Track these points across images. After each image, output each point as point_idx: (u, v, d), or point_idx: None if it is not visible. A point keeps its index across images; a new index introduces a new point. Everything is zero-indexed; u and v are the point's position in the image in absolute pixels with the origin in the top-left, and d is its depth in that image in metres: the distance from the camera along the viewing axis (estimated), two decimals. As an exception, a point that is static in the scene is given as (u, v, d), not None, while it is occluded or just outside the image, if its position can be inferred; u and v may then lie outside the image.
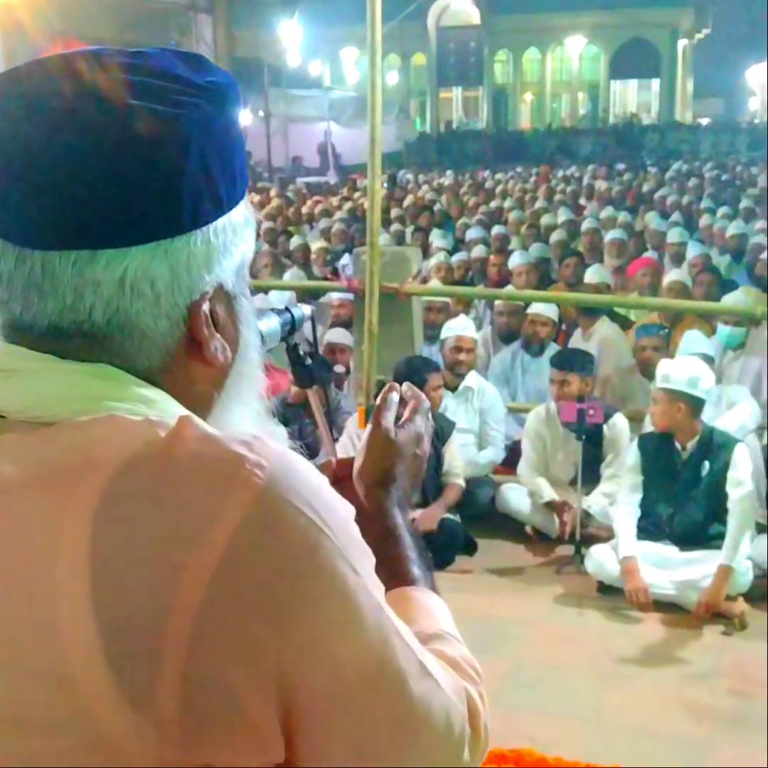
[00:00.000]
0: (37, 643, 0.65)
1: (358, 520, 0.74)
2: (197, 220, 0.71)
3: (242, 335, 0.80)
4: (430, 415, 1.08)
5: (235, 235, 0.75)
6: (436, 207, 12.10)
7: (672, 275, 6.43)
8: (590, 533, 4.49)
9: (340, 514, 0.71)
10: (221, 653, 0.64)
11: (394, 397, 1.06)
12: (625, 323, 6.21)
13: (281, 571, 0.66)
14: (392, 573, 0.90)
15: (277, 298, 6.35)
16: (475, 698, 0.82)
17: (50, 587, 0.64)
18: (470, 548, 4.56)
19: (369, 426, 1.04)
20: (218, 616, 0.64)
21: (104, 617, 0.63)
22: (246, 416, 0.83)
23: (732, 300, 5.52)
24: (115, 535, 0.65)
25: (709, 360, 4.62)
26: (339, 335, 5.71)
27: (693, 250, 7.66)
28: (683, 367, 4.12)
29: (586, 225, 9.19)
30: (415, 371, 4.59)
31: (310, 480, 0.70)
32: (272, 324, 1.45)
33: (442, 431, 4.68)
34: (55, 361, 0.71)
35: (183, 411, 0.74)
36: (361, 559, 0.72)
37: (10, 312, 0.72)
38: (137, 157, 0.68)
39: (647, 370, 5.16)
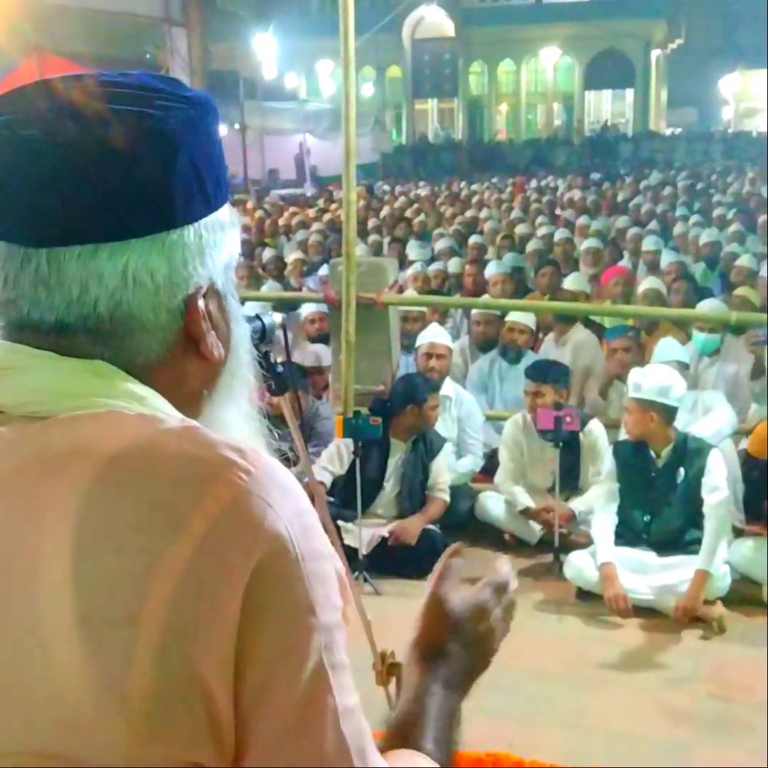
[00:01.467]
0: (18, 622, 0.66)
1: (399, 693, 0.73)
2: (189, 215, 0.76)
3: (234, 334, 0.84)
4: (510, 596, 0.97)
5: (223, 232, 0.80)
6: (418, 219, 12.11)
7: (646, 283, 6.48)
8: (570, 540, 4.51)
9: (314, 546, 0.71)
10: (192, 644, 0.65)
11: (457, 563, 0.99)
12: (600, 331, 6.25)
13: (248, 572, 0.67)
14: (405, 735, 0.87)
15: (253, 309, 6.33)
16: None
17: (34, 565, 0.66)
18: None
19: (426, 593, 0.96)
20: (191, 607, 0.65)
21: (82, 600, 0.65)
22: (236, 416, 0.85)
23: (707, 307, 5.56)
24: (99, 521, 0.67)
25: (683, 367, 4.65)
26: (312, 357, 5.72)
27: (668, 258, 7.73)
28: (654, 376, 4.13)
29: (558, 235, 9.27)
30: (415, 389, 4.62)
31: (295, 499, 0.71)
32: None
33: (432, 445, 4.70)
34: (54, 359, 0.74)
35: (173, 410, 0.77)
36: (324, 602, 0.70)
37: (18, 311, 0.75)
38: (132, 155, 0.72)
39: (622, 374, 5.21)
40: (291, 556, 0.69)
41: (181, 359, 0.79)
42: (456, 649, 0.93)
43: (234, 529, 0.67)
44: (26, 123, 0.73)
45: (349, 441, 4.44)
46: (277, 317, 1.55)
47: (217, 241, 0.79)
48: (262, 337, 1.48)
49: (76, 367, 0.74)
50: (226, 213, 0.81)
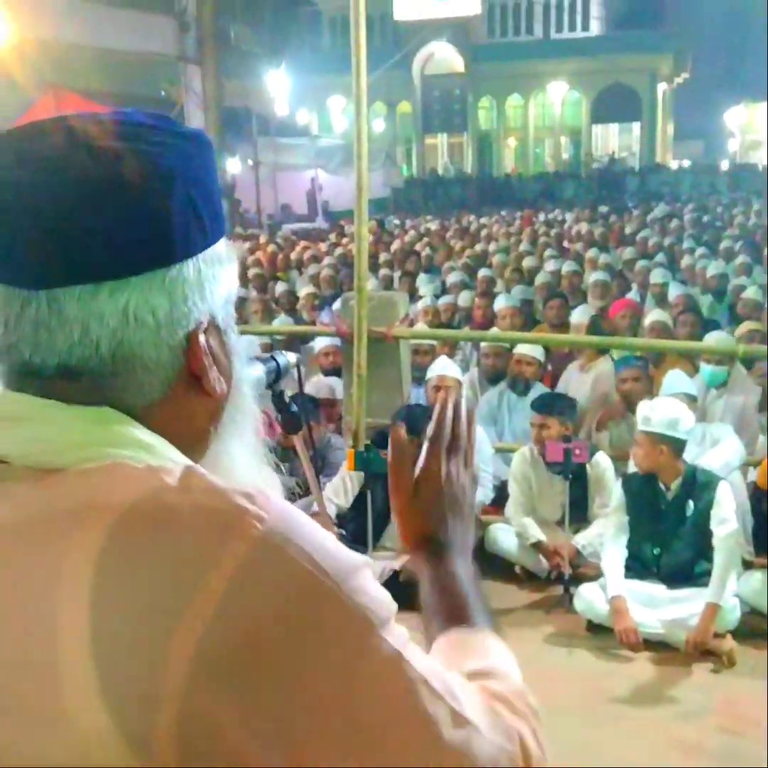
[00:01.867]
0: (38, 688, 0.65)
1: (414, 570, 0.75)
2: (188, 250, 0.75)
3: (235, 368, 0.84)
4: (457, 443, 1.03)
5: (221, 266, 0.79)
6: (425, 252, 12.21)
7: (653, 316, 6.53)
8: (579, 572, 4.51)
9: (344, 565, 0.71)
10: (217, 701, 0.64)
11: (402, 447, 1.06)
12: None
13: (277, 622, 0.66)
14: (451, 618, 0.90)
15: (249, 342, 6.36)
16: (527, 737, 0.80)
17: (51, 632, 0.65)
18: None
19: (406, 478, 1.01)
20: (214, 665, 0.64)
21: (103, 662, 0.64)
22: (242, 450, 0.85)
23: (714, 339, 5.60)
24: (115, 581, 0.66)
25: (691, 399, 4.67)
26: (326, 390, 5.77)
27: (675, 291, 7.78)
28: (663, 409, 4.14)
29: (566, 268, 9.32)
30: (416, 420, 4.64)
31: (311, 533, 0.71)
32: (257, 372, 1.48)
33: None
34: (59, 408, 0.73)
35: (181, 456, 0.76)
36: (373, 606, 0.71)
37: (20, 355, 0.74)
38: (129, 192, 0.72)
39: (632, 405, 5.26)
40: (326, 586, 0.68)
41: (184, 396, 0.78)
42: (442, 522, 0.98)
43: (253, 584, 0.66)
44: (18, 164, 0.72)
45: (354, 473, 4.47)
46: (292, 357, 1.56)
47: (216, 275, 0.79)
48: (277, 376, 1.51)
49: (82, 415, 0.73)
50: (223, 247, 0.80)
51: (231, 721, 0.65)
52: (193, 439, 0.80)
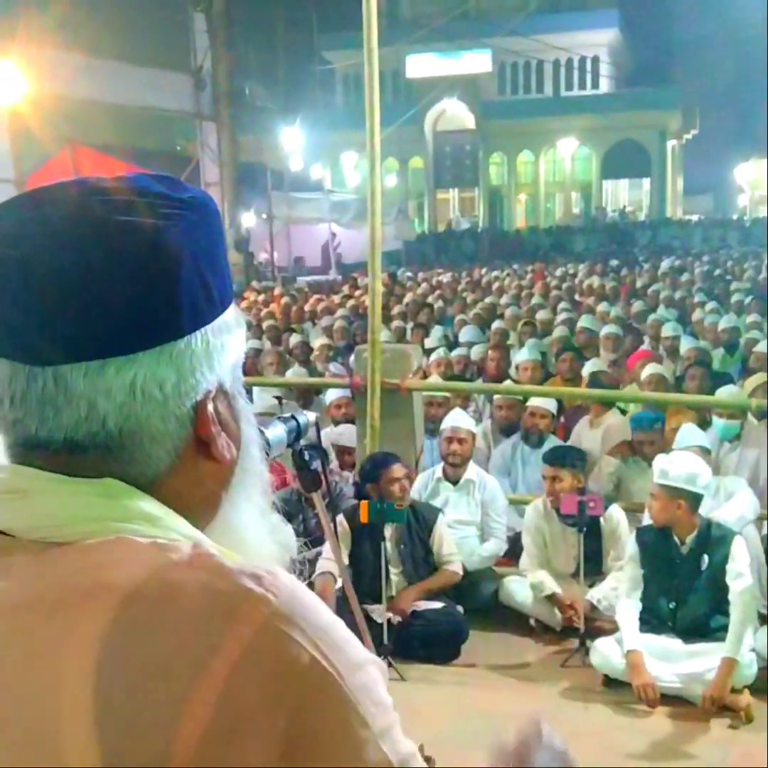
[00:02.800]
0: (40, 764, 0.65)
1: None
2: (196, 322, 0.75)
3: (243, 432, 0.82)
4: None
5: (229, 334, 0.78)
6: (439, 305, 12.32)
7: (648, 369, 6.56)
8: (595, 626, 4.48)
9: (350, 657, 0.70)
10: None
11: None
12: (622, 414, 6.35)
13: (281, 711, 0.65)
14: None
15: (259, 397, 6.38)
16: None
17: (54, 713, 0.65)
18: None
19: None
20: (219, 751, 0.64)
21: (108, 746, 0.64)
22: (252, 513, 0.84)
23: (726, 393, 5.61)
24: (120, 665, 0.65)
25: (705, 452, 4.68)
26: (342, 438, 5.80)
27: (686, 344, 7.82)
28: (682, 464, 4.12)
29: (579, 324, 9.38)
30: (376, 466, 4.66)
31: (319, 617, 0.70)
32: (278, 431, 1.49)
33: (425, 519, 4.70)
34: (64, 481, 0.72)
35: (189, 528, 0.75)
36: (374, 710, 0.69)
37: (25, 430, 0.73)
38: (135, 268, 0.71)
39: (649, 459, 5.28)
40: (330, 679, 0.68)
41: (192, 463, 0.77)
42: None
43: (257, 672, 0.65)
44: (26, 239, 0.71)
45: (346, 530, 4.54)
46: (311, 416, 1.58)
47: (224, 343, 0.77)
48: (298, 436, 1.53)
49: (87, 490, 0.72)
50: (231, 314, 0.79)
51: None
52: (203, 504, 0.79)
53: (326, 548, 4.62)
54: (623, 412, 6.39)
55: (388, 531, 4.60)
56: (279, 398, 6.12)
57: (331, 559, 4.57)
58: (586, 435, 6.04)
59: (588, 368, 6.88)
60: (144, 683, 0.64)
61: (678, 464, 4.12)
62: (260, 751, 0.65)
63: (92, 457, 0.73)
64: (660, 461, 4.22)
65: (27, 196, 0.76)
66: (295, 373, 7.47)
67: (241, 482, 0.82)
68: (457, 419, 5.33)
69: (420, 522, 4.70)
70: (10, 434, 0.75)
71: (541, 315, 10.61)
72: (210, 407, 0.76)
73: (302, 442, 1.60)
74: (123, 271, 0.70)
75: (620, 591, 4.29)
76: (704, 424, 5.52)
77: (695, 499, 4.10)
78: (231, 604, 0.67)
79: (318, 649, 0.67)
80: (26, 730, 0.66)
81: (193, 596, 0.67)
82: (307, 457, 1.65)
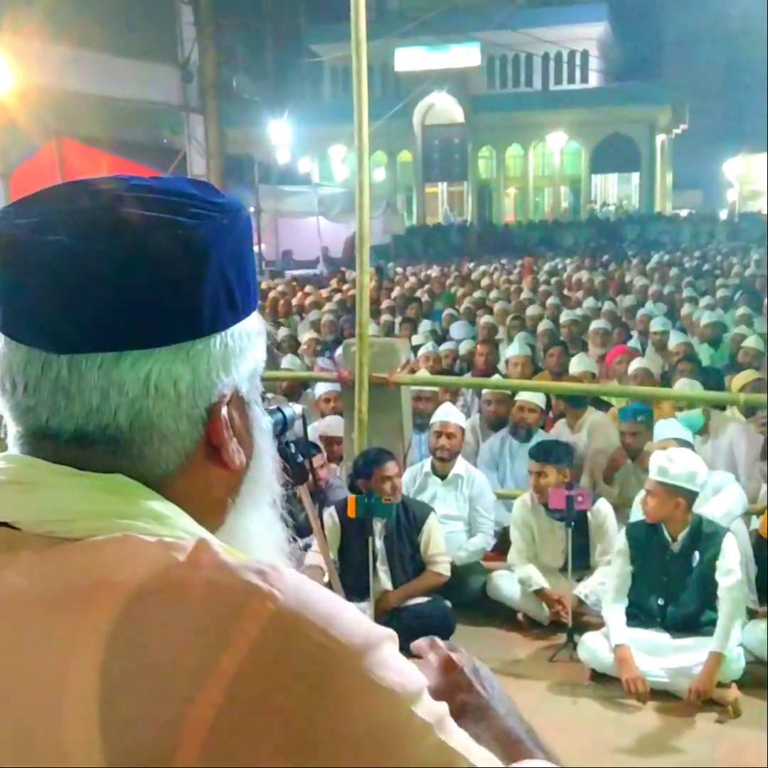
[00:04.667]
0: (43, 760, 0.65)
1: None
2: (216, 325, 0.74)
3: (256, 441, 0.82)
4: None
5: (249, 341, 0.78)
6: (428, 299, 12.32)
7: (635, 363, 6.57)
8: (583, 621, 4.48)
9: (364, 638, 0.68)
10: None
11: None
12: (607, 408, 6.35)
13: (293, 705, 0.64)
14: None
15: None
16: None
17: (58, 710, 0.64)
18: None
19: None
20: (226, 751, 0.63)
21: (111, 745, 0.63)
22: (259, 523, 0.83)
23: (687, 388, 5.63)
24: (125, 664, 0.64)
25: (686, 445, 4.65)
26: (335, 428, 5.79)
27: (675, 339, 7.84)
28: (682, 462, 4.06)
29: (564, 317, 9.39)
30: (369, 462, 4.63)
31: (327, 607, 0.68)
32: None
33: (416, 517, 4.66)
34: (73, 475, 0.72)
35: (195, 526, 0.75)
36: (399, 679, 0.67)
37: (37, 418, 0.73)
38: (161, 265, 0.71)
39: (634, 454, 5.27)
40: (345, 664, 0.66)
41: (201, 467, 0.77)
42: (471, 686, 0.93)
43: (265, 668, 0.64)
44: (53, 227, 0.71)
45: (331, 526, 4.51)
46: (298, 408, 1.57)
47: (244, 349, 0.77)
48: (284, 428, 1.52)
49: (96, 484, 0.72)
50: (253, 321, 0.79)
51: None
52: (210, 510, 0.79)
53: (314, 544, 4.62)
54: (608, 405, 6.39)
55: (379, 527, 4.59)
56: (263, 394, 6.09)
57: (319, 552, 4.57)
58: (568, 439, 5.95)
59: (575, 364, 6.88)
60: (149, 681, 0.64)
61: (679, 463, 4.04)
62: (271, 750, 0.63)
63: (101, 451, 0.73)
64: (658, 458, 4.13)
65: (65, 186, 0.77)
66: (290, 363, 7.46)
67: (250, 492, 0.81)
68: (447, 413, 5.32)
69: (410, 519, 4.67)
70: (22, 423, 0.75)
71: (532, 310, 10.61)
72: (223, 411, 0.76)
73: (288, 434, 1.59)
74: (148, 265, 0.70)
75: (608, 586, 4.28)
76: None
77: (693, 497, 4.08)
78: (237, 601, 0.66)
79: (327, 636, 0.66)
80: (30, 726, 0.65)
81: (198, 594, 0.66)
82: (292, 450, 1.64)
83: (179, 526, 0.73)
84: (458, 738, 0.70)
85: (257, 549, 0.82)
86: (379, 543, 4.58)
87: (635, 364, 6.52)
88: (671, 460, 4.07)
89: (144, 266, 0.71)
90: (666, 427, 4.83)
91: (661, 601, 4.14)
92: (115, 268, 0.70)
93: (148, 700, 0.63)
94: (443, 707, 0.70)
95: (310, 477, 1.75)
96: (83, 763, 0.63)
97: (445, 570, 4.68)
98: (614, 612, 4.13)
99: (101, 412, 0.72)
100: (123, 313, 0.71)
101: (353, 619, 0.69)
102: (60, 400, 0.72)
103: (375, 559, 4.51)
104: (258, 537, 0.83)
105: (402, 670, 0.69)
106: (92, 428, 0.72)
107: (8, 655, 0.68)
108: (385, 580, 4.60)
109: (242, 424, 0.80)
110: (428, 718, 0.68)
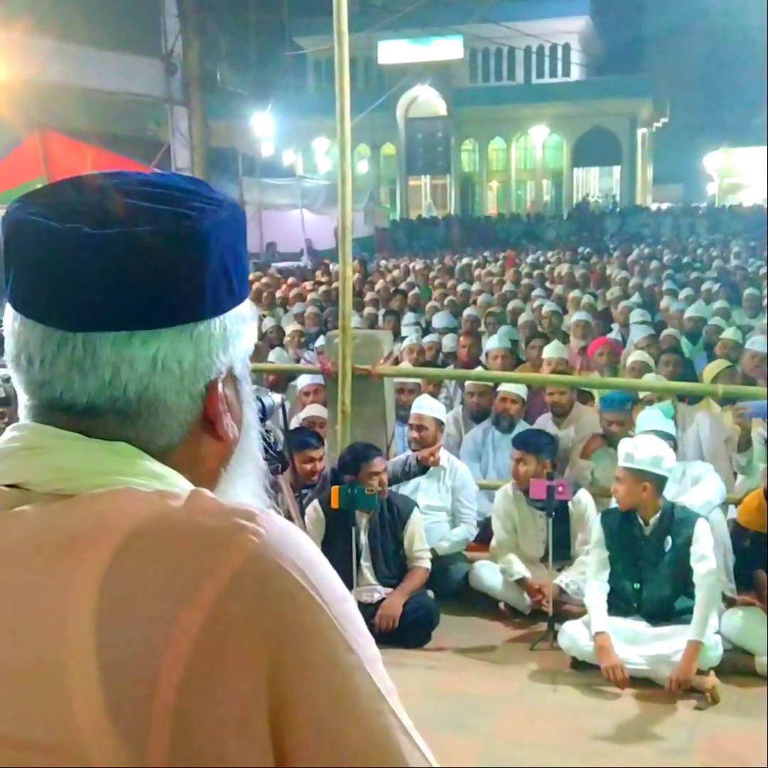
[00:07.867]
0: (45, 695, 0.69)
1: None
2: (217, 309, 0.82)
3: (246, 415, 0.89)
4: None
5: (244, 325, 0.86)
6: (412, 292, 12.31)
7: (634, 356, 6.61)
8: (564, 610, 4.53)
9: (337, 590, 0.75)
10: (208, 705, 0.68)
11: None
12: (587, 398, 6.38)
13: (268, 632, 0.70)
14: None
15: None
16: None
17: (59, 643, 0.70)
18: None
19: None
20: (205, 668, 0.69)
21: (106, 668, 0.68)
22: (245, 493, 0.89)
23: (652, 380, 5.69)
24: (120, 594, 0.70)
25: (668, 437, 4.70)
26: (317, 409, 5.80)
27: (645, 331, 7.88)
28: (646, 447, 4.18)
29: (545, 308, 9.44)
30: (356, 458, 4.63)
31: (308, 553, 0.76)
32: None
33: (400, 512, 4.67)
34: (79, 439, 0.78)
35: (189, 486, 0.81)
36: (359, 639, 0.74)
37: (51, 392, 0.79)
38: (167, 252, 0.78)
39: (614, 443, 5.30)
40: (315, 604, 0.73)
41: (198, 439, 0.83)
42: None
43: (245, 593, 0.70)
44: (71, 216, 0.77)
45: (314, 518, 4.53)
46: (277, 397, 1.61)
47: (239, 332, 0.84)
48: (263, 417, 1.55)
49: (100, 447, 0.78)
50: (247, 307, 0.86)
51: (223, 727, 0.69)
52: (204, 479, 0.84)
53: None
54: (589, 395, 6.42)
55: (363, 522, 4.61)
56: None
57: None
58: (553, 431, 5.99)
59: (549, 351, 6.91)
60: (139, 606, 0.70)
61: (643, 448, 4.17)
62: (246, 672, 0.69)
63: (109, 422, 0.79)
64: (625, 445, 4.26)
65: (76, 179, 0.83)
66: (277, 355, 7.49)
67: (239, 462, 0.88)
68: (420, 406, 5.29)
69: (394, 514, 4.68)
70: (36, 396, 0.80)
71: (514, 304, 10.64)
72: (220, 388, 0.83)
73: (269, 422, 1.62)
74: (159, 252, 0.77)
75: (588, 574, 4.33)
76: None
77: (660, 482, 4.16)
78: (224, 536, 0.73)
79: (305, 577, 0.73)
80: (32, 661, 0.70)
81: (189, 530, 0.73)
82: (272, 439, 1.67)
83: (177, 484, 0.80)
84: (404, 718, 0.75)
85: None
86: (363, 538, 4.61)
87: (633, 357, 6.57)
88: (636, 447, 4.18)
89: (155, 253, 0.77)
90: (648, 418, 4.89)
91: (636, 585, 4.20)
92: (127, 254, 0.76)
93: (139, 623, 0.69)
94: (392, 685, 0.75)
95: (291, 467, 1.78)
96: (81, 687, 0.68)
97: (428, 564, 4.72)
98: (595, 599, 4.17)
99: (112, 387, 0.78)
100: (134, 295, 0.77)
101: (329, 572, 0.76)
102: (74, 375, 0.78)
103: (359, 556, 4.53)
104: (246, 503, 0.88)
105: (362, 632, 0.76)
106: (103, 401, 0.78)
107: (11, 600, 0.73)
108: (368, 576, 4.63)
109: (235, 399, 0.87)
110: (379, 685, 0.74)
